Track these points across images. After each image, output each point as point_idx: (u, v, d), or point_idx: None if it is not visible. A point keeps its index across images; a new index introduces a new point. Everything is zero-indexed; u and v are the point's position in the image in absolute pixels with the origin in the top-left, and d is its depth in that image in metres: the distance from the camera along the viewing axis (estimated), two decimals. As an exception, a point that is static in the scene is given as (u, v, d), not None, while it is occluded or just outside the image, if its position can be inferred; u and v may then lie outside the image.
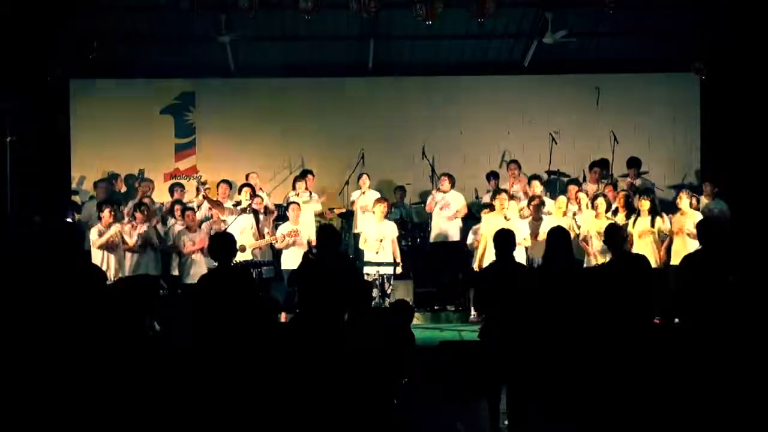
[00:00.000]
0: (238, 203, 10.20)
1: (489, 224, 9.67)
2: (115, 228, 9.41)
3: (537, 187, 10.56)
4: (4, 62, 10.43)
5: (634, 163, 11.14)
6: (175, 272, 9.93)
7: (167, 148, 12.68)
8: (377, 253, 9.77)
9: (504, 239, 6.37)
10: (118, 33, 11.51)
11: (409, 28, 11.69)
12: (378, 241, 9.79)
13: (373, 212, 10.05)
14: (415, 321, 7.87)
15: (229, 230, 9.00)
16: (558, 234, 6.30)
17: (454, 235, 10.84)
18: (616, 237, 6.58)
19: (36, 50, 10.85)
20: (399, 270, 9.95)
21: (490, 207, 9.95)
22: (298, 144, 12.47)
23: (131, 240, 9.49)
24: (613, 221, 9.51)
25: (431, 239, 11.04)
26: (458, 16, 11.27)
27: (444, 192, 10.90)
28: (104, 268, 9.08)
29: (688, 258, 6.56)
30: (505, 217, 9.54)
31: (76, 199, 11.81)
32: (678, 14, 11.53)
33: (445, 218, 10.82)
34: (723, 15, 11.13)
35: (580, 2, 11.38)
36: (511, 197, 10.30)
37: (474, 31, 11.78)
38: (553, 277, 6.06)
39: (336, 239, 6.63)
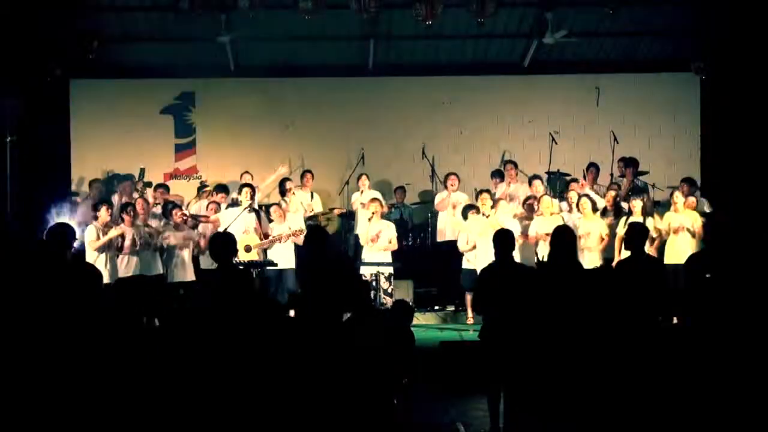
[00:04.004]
0: (236, 202, 10.19)
1: (473, 225, 9.79)
2: (117, 230, 9.33)
3: (539, 187, 10.56)
4: (4, 62, 10.43)
5: (630, 163, 11.13)
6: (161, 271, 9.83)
7: (167, 148, 12.68)
8: (370, 252, 9.89)
9: (503, 239, 6.37)
10: (118, 33, 11.51)
11: (409, 28, 11.68)
12: (370, 240, 9.86)
13: (371, 213, 10.07)
14: (415, 321, 7.88)
15: (231, 230, 9.00)
16: (564, 233, 6.28)
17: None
18: (639, 236, 6.52)
19: (36, 50, 10.84)
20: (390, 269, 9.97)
21: (475, 208, 10.03)
22: (298, 144, 12.47)
23: (128, 241, 9.46)
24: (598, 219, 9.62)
25: (439, 238, 11.03)
26: (458, 16, 11.27)
27: (455, 191, 10.90)
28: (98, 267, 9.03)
29: (693, 257, 6.55)
30: (484, 214, 9.58)
31: (76, 199, 11.78)
32: (678, 14, 11.54)
33: (455, 217, 10.80)
34: (723, 15, 11.13)
35: (580, 2, 11.39)
36: (510, 198, 10.36)
37: (474, 31, 11.76)
38: (558, 277, 6.05)
39: (323, 239, 6.62)
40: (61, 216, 9.90)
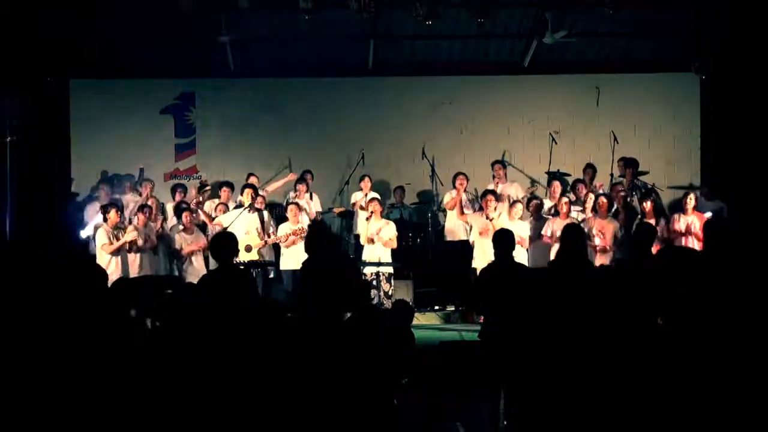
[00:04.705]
0: (240, 204, 10.21)
1: (475, 225, 9.77)
2: (132, 235, 9.39)
3: (558, 188, 10.56)
4: (4, 62, 10.43)
5: (630, 163, 11.13)
6: (176, 273, 9.93)
7: (167, 148, 12.69)
8: (371, 251, 9.88)
9: (503, 239, 6.37)
10: (118, 33, 11.51)
11: (409, 28, 11.69)
12: (371, 240, 9.87)
13: (370, 212, 10.07)
14: (415, 321, 7.88)
15: (233, 231, 9.01)
16: (574, 232, 6.28)
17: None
18: (645, 236, 6.50)
19: (36, 50, 10.84)
20: (390, 269, 9.97)
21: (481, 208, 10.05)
22: (298, 144, 12.48)
23: (139, 241, 9.49)
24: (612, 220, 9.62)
25: (449, 238, 11.00)
26: (458, 16, 11.27)
27: (465, 192, 10.89)
28: (109, 268, 9.06)
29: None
30: (488, 217, 9.53)
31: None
32: (678, 14, 11.53)
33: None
34: (723, 15, 11.13)
35: (580, 2, 11.39)
36: (497, 198, 10.35)
37: (474, 31, 11.77)
38: (566, 276, 6.05)
39: (322, 239, 6.61)
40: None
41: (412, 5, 10.54)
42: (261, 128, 12.58)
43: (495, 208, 9.75)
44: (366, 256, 9.90)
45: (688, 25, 11.69)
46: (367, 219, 9.98)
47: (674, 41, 12.17)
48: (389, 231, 9.95)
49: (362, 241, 10.03)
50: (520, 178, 12.09)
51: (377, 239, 9.84)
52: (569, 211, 9.87)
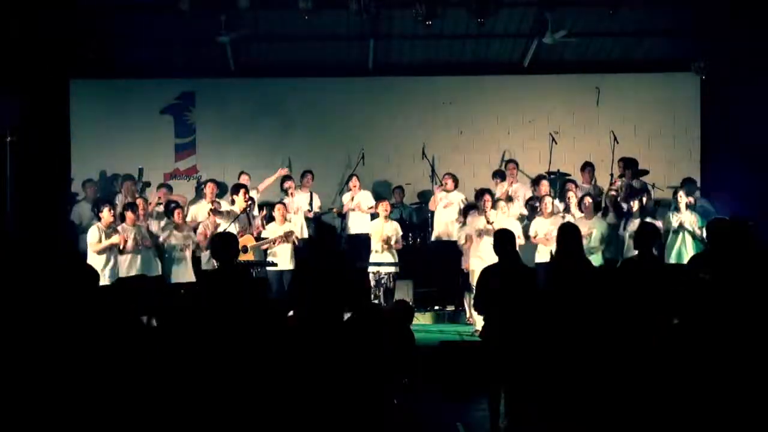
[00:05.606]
0: (233, 202, 10.20)
1: (472, 225, 9.76)
2: (118, 237, 9.31)
3: (544, 187, 10.55)
4: (4, 62, 10.43)
5: (630, 163, 11.12)
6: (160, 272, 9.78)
7: (167, 148, 12.69)
8: (381, 252, 9.90)
9: (503, 239, 6.37)
10: (118, 33, 11.50)
11: (409, 28, 11.69)
12: (382, 240, 9.87)
13: (379, 213, 10.13)
14: (415, 321, 7.88)
15: (228, 231, 9.00)
16: (570, 231, 6.27)
17: (456, 235, 10.86)
18: (649, 236, 6.47)
19: (36, 50, 10.84)
20: (396, 269, 10.01)
21: (475, 208, 10.03)
22: (298, 144, 12.48)
23: (130, 241, 9.43)
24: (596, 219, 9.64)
25: (433, 237, 11.05)
26: (458, 16, 11.28)
27: (448, 191, 10.90)
28: (100, 267, 8.99)
29: (694, 258, 6.55)
30: (488, 221, 9.45)
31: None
32: (678, 14, 11.54)
33: (448, 217, 10.80)
34: (723, 14, 11.13)
35: (580, 2, 11.39)
36: (509, 198, 10.35)
37: (474, 31, 11.77)
38: (566, 276, 6.04)
39: (327, 235, 6.61)
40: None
41: (412, 5, 10.53)
42: (261, 128, 12.56)
43: (492, 207, 9.64)
44: (375, 257, 9.93)
45: (688, 25, 11.70)
46: (386, 217, 10.03)
47: (674, 41, 12.18)
48: (398, 233, 10.04)
49: (374, 240, 10.05)
50: (519, 177, 12.06)
51: (390, 246, 9.89)
52: (554, 210, 9.84)
